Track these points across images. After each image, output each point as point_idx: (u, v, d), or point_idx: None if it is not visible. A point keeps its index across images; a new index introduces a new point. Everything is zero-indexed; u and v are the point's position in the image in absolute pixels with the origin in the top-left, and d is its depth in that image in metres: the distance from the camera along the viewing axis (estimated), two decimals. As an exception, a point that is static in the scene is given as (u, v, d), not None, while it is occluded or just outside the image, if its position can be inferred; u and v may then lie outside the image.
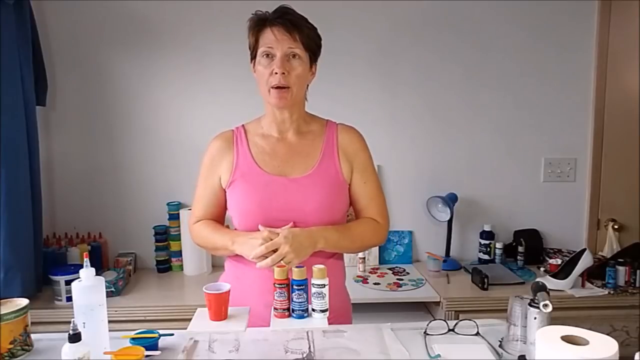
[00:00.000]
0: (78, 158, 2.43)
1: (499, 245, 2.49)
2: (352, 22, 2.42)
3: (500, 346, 1.21)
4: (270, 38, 1.32)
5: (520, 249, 2.44)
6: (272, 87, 1.33)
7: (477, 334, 1.26)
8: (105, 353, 1.10)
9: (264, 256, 1.25)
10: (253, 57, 1.38)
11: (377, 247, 2.51)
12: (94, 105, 2.41)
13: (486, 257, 2.48)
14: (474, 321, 1.28)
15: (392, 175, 2.53)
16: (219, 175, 1.42)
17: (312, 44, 1.36)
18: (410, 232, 2.56)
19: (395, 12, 2.43)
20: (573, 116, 2.54)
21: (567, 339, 0.91)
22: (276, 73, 1.31)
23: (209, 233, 1.42)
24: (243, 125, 1.47)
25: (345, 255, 1.53)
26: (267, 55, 1.33)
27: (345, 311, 1.49)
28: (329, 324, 1.25)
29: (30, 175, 2.09)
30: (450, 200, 2.45)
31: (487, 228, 2.49)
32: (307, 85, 1.43)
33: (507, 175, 2.57)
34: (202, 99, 2.43)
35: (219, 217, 1.47)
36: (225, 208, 1.46)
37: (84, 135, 2.42)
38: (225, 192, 1.43)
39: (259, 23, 1.35)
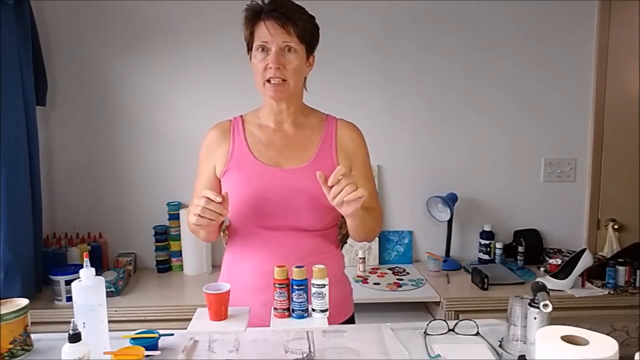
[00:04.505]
0: (78, 158, 2.43)
1: (499, 245, 2.49)
2: (352, 20, 2.42)
3: (500, 346, 1.21)
4: (264, 32, 1.30)
5: (520, 249, 2.44)
6: (267, 81, 1.32)
7: (477, 334, 1.26)
8: (105, 353, 1.10)
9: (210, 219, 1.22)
10: (249, 49, 1.37)
11: (377, 247, 2.51)
12: (93, 105, 2.41)
13: (486, 257, 2.48)
14: (474, 321, 1.28)
15: (392, 175, 2.53)
16: (214, 165, 1.41)
17: (307, 35, 1.34)
18: (410, 232, 2.56)
19: (397, 12, 2.43)
20: (573, 116, 2.54)
21: (567, 339, 0.91)
22: (271, 67, 1.30)
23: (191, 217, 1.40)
24: (241, 116, 1.46)
25: (345, 254, 1.52)
26: (262, 49, 1.32)
27: (345, 298, 1.46)
28: (331, 313, 1.24)
29: (30, 175, 2.09)
30: (450, 200, 2.45)
31: (487, 228, 2.49)
32: (305, 77, 1.41)
33: (507, 175, 2.57)
34: (203, 98, 2.42)
35: None
36: None
37: (84, 135, 2.42)
38: (220, 182, 1.41)
39: (254, 16, 1.33)
